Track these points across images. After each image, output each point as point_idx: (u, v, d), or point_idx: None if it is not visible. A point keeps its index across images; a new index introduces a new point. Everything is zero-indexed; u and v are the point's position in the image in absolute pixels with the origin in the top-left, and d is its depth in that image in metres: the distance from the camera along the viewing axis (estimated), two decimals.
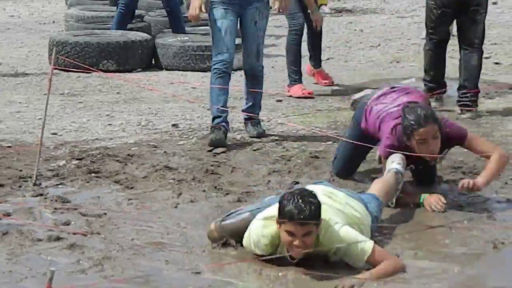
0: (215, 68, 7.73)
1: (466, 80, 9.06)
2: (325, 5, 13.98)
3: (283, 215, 5.11)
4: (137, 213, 5.99)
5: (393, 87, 6.99)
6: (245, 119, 8.02)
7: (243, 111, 8.07)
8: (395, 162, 6.43)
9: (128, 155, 7.10)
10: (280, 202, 5.17)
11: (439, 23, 8.99)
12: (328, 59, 10.86)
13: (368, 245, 5.31)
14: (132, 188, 6.49)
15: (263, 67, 8.29)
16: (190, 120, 8.11)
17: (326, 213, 5.30)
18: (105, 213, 6.00)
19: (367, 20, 13.11)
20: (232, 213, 5.75)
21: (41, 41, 10.96)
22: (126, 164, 6.94)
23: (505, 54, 10.65)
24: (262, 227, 5.34)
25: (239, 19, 7.95)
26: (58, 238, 5.55)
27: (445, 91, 9.40)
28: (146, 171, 6.81)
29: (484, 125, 8.27)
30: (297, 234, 5.08)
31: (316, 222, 5.14)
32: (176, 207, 6.19)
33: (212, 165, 7.00)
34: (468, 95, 8.96)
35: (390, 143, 6.45)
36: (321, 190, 5.63)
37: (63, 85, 9.06)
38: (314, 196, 5.23)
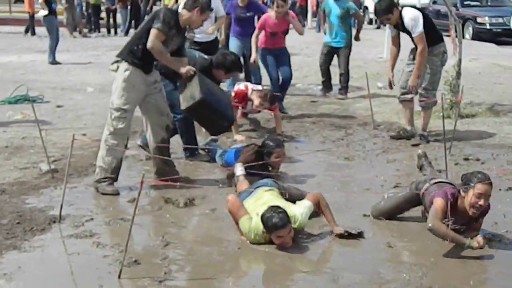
0: None
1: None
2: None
3: (269, 229, 3.54)
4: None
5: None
6: None
7: None
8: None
9: None
10: (263, 220, 3.54)
11: None
12: None
13: (306, 204, 3.80)
14: None
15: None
16: None
17: (288, 209, 3.67)
18: None
19: (293, 59, 12.75)
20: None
21: None
22: None
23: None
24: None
25: None
26: None
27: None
28: None
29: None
30: (284, 235, 3.54)
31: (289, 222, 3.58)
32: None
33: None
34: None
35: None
36: (272, 194, 3.92)
37: None
38: (280, 208, 3.61)
